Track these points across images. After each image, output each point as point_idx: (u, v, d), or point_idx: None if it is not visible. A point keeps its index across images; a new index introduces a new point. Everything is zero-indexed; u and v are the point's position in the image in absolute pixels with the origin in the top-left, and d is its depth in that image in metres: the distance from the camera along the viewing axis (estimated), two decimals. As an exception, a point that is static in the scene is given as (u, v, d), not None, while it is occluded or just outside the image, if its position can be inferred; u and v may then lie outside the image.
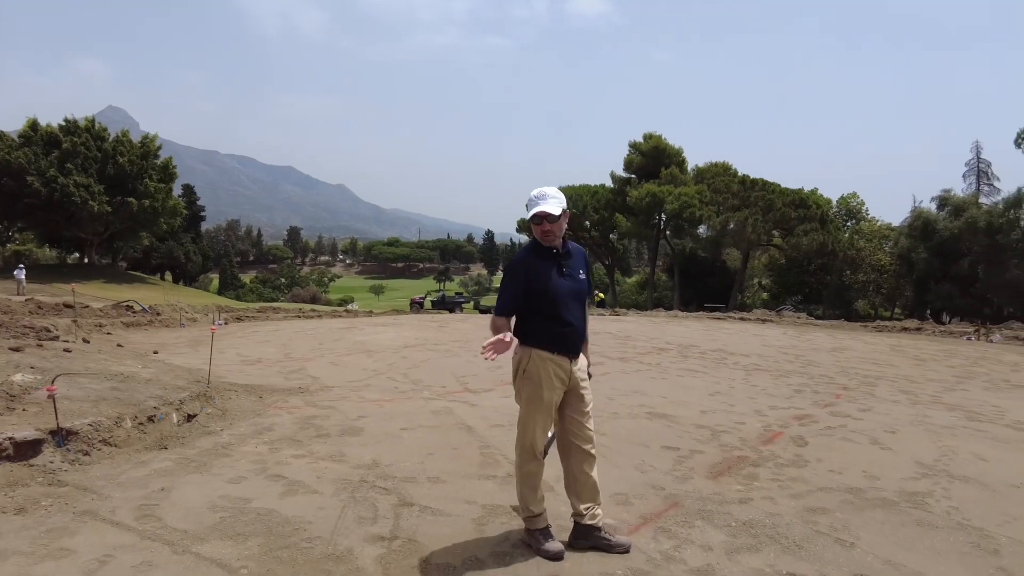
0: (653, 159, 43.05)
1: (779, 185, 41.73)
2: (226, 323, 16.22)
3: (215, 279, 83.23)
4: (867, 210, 44.22)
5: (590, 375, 3.23)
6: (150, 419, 4.36)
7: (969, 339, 14.31)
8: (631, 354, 11.06)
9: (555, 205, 2.98)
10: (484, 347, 2.75)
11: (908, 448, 5.03)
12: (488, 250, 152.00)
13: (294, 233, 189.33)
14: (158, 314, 16.00)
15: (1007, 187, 44.10)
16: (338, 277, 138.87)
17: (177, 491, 3.55)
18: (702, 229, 43.11)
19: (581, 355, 3.18)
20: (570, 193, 44.30)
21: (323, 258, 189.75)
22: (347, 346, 11.57)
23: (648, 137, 44.10)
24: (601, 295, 36.45)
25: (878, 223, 41.54)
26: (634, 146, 44.54)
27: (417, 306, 30.35)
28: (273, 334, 13.63)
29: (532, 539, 3.08)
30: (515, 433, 5.35)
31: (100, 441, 3.89)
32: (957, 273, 29.08)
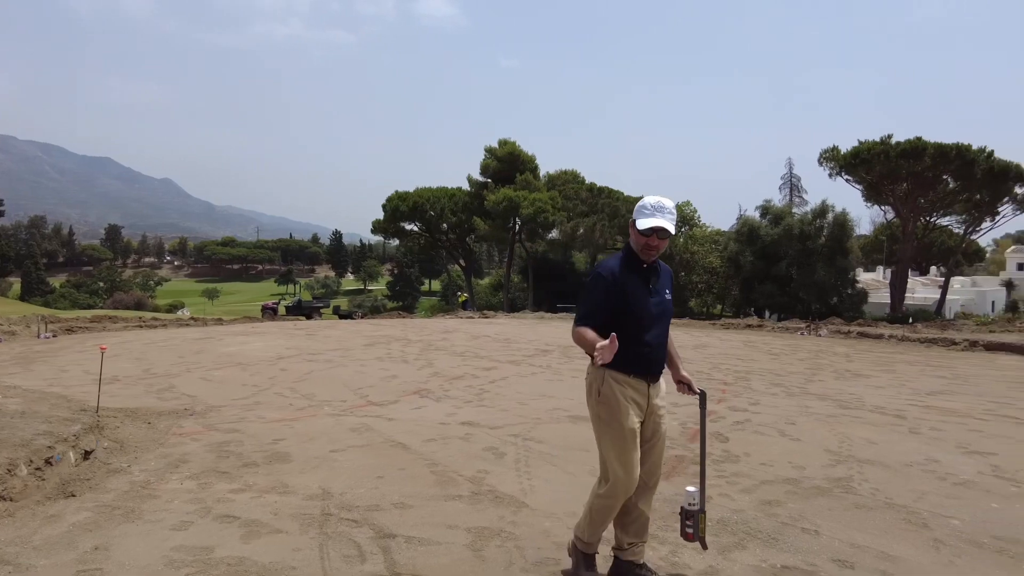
0: (508, 164, 43.97)
1: (623, 193, 44.54)
2: (54, 335, 14.17)
3: (16, 283, 72.22)
4: (699, 217, 48.49)
5: (703, 392, 3.01)
6: (47, 462, 3.67)
7: (802, 334, 16.22)
8: (519, 356, 11.23)
9: (672, 222, 2.77)
10: (597, 353, 2.50)
11: (812, 437, 5.60)
12: (336, 251, 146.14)
13: (113, 231, 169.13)
14: (-37, 328, 13.59)
15: (813, 198, 51.16)
16: (166, 280, 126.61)
17: (117, 548, 3.02)
18: (554, 233, 44.83)
19: (661, 381, 2.94)
20: (428, 195, 44.06)
21: (148, 259, 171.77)
22: (213, 359, 10.60)
23: (503, 143, 44.98)
24: (465, 295, 36.66)
25: (709, 229, 45.72)
26: (490, 151, 45.21)
27: (270, 312, 28.34)
28: (120, 347, 12.11)
29: (576, 562, 2.93)
30: (456, 447, 5.25)
31: (-5, 494, 3.20)
32: (776, 274, 32.81)
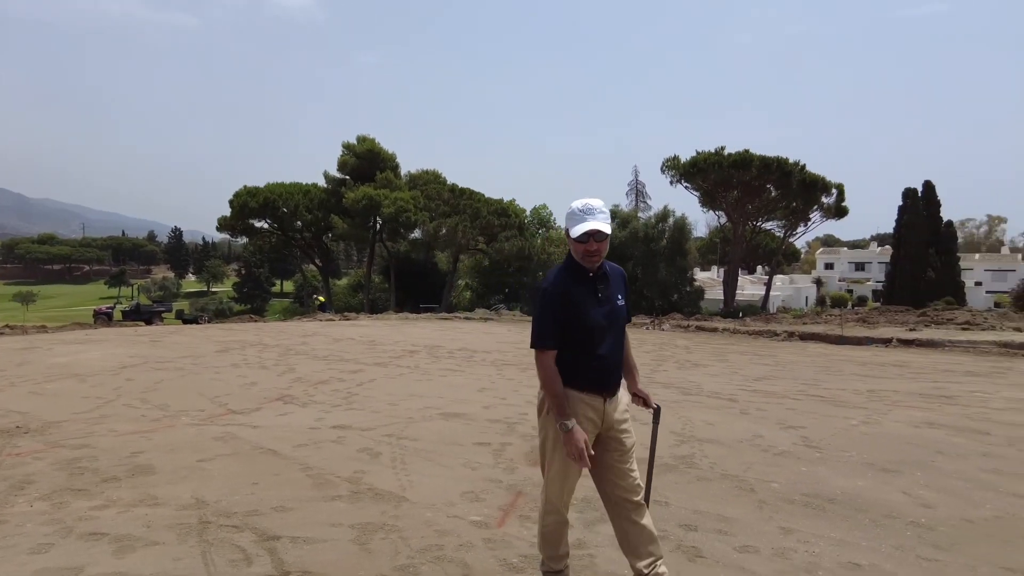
0: (368, 162, 43.15)
1: (484, 195, 45.31)
2: None
3: None
4: (555, 220, 50.61)
5: (658, 407, 2.95)
6: None
7: (648, 329, 17.62)
8: (385, 358, 11.22)
9: (605, 221, 2.59)
10: (576, 459, 2.53)
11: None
12: (175, 250, 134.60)
13: None
14: None
15: (656, 204, 55.71)
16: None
17: (-32, 575, 2.79)
18: (416, 233, 44.67)
19: (620, 393, 2.81)
20: (280, 191, 42.05)
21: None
22: (42, 371, 9.61)
23: (362, 140, 44.05)
24: (323, 297, 35.50)
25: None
26: (348, 147, 44.07)
27: (104, 318, 25.72)
28: (-88, 362, 10.57)
29: None
30: (329, 450, 5.26)
31: None
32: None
